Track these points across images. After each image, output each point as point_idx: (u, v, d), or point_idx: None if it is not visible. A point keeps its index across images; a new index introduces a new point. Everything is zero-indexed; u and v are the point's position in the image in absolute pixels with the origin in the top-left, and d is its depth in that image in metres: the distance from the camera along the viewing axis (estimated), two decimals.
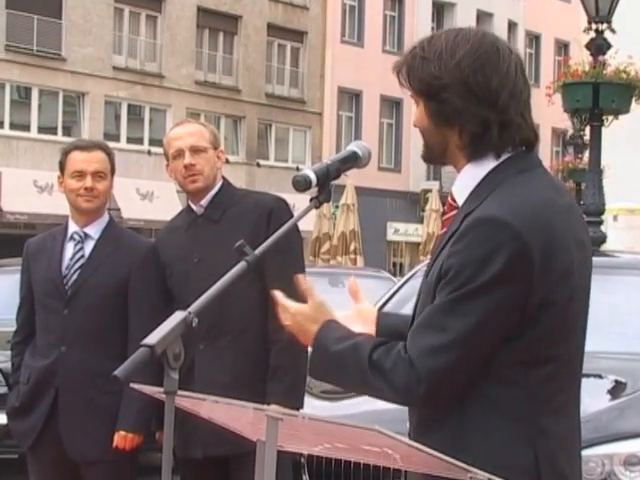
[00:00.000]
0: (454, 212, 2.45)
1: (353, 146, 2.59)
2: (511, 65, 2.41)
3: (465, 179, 2.44)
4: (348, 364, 2.35)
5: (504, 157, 2.41)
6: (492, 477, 1.94)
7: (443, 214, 2.53)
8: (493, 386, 2.33)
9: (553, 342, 2.35)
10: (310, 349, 2.44)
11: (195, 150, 4.08)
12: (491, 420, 2.33)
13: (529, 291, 2.29)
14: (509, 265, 2.26)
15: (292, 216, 3.40)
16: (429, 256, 2.52)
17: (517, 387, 2.34)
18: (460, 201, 2.44)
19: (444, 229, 2.47)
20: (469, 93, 2.36)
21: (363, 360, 2.33)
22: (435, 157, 2.51)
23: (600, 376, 4.64)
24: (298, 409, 3.87)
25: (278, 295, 2.51)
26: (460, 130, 2.40)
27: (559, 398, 2.39)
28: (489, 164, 2.41)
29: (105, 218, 4.32)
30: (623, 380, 4.72)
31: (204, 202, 4.12)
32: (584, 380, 2.50)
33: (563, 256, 2.33)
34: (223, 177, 4.21)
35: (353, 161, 2.56)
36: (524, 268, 2.27)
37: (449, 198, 2.51)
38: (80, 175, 4.21)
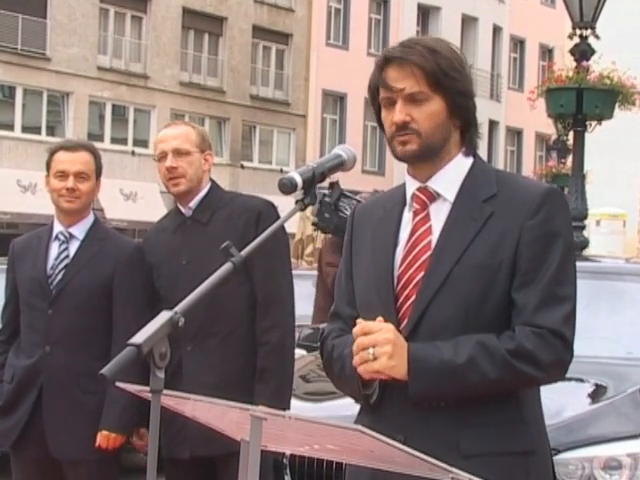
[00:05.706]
0: (424, 213, 2.57)
1: (339, 149, 2.62)
2: None
3: (451, 172, 2.58)
4: (481, 365, 2.41)
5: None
6: (472, 477, 1.96)
7: (416, 213, 2.60)
8: None
9: None
10: (417, 374, 2.42)
11: (178, 153, 4.07)
12: (534, 389, 2.56)
13: None
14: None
15: None
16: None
17: None
18: (447, 193, 2.56)
19: (426, 224, 2.56)
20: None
21: (500, 353, 2.41)
22: (432, 154, 2.57)
23: (581, 380, 4.66)
24: (285, 410, 3.88)
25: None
26: (467, 127, 2.58)
27: None
28: (470, 159, 2.60)
29: (90, 218, 4.33)
30: (604, 384, 4.75)
31: (192, 204, 4.12)
32: (565, 383, 2.53)
33: None
34: (211, 180, 4.20)
35: (339, 165, 2.59)
36: None
37: (421, 195, 2.60)
38: (63, 175, 4.22)
